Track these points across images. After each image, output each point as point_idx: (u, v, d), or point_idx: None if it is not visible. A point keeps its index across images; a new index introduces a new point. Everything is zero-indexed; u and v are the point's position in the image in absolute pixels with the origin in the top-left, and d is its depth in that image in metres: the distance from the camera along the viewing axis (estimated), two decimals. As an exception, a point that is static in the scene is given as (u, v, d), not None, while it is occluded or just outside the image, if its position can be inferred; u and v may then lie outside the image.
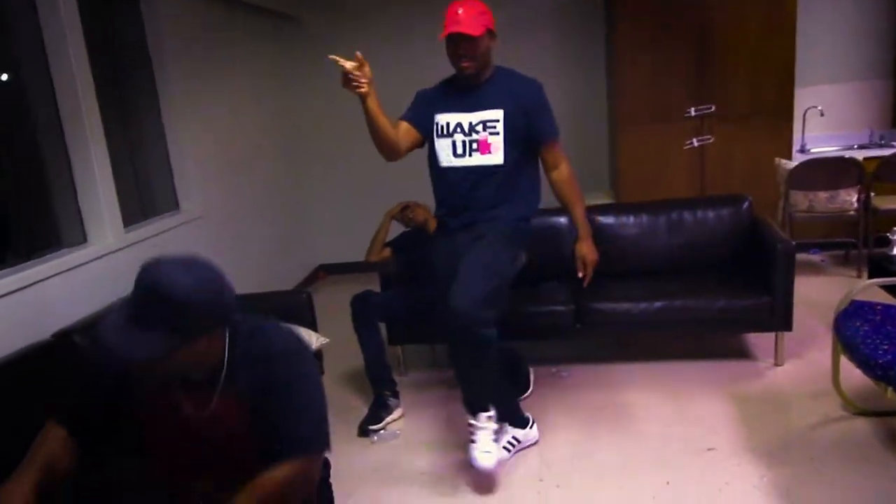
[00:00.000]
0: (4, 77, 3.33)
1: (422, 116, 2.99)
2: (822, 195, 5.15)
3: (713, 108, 5.52)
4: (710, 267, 4.15)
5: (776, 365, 3.84)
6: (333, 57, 2.49)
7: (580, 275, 3.10)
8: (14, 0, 3.26)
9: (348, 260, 6.34)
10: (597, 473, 3.00)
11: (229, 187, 5.02)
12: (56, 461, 1.66)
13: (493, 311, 2.78)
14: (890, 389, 2.65)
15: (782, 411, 3.38)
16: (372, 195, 5.35)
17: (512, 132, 2.88)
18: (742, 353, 4.07)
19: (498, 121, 2.87)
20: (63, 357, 2.74)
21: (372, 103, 2.65)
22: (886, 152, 5.26)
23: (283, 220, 6.06)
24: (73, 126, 3.45)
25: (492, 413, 2.97)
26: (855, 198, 5.09)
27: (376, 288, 4.00)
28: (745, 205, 4.20)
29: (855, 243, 5.29)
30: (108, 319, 1.54)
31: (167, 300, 1.48)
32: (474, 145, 2.90)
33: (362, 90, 2.56)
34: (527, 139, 2.93)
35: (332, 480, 2.13)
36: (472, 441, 2.94)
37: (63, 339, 2.84)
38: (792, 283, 3.68)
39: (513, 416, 3.21)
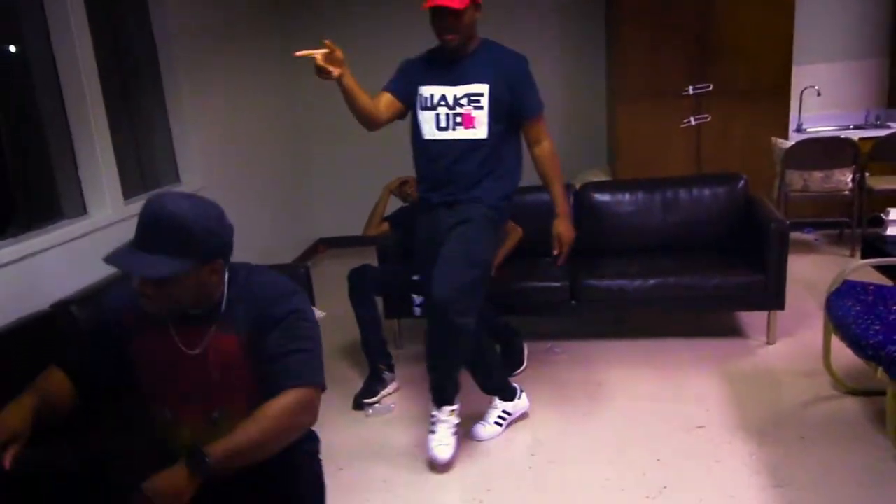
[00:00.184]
0: (12, 49, 3.26)
1: (405, 88, 2.89)
2: (818, 174, 5.08)
3: (711, 87, 5.43)
4: (704, 245, 4.09)
5: (768, 343, 3.79)
6: (300, 54, 2.42)
7: (555, 252, 3.02)
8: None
9: (348, 234, 6.27)
10: (589, 449, 2.96)
11: (230, 160, 4.95)
12: (54, 398, 1.68)
13: (473, 301, 2.76)
14: (880, 369, 2.61)
15: (773, 389, 3.34)
16: (372, 170, 5.27)
17: (496, 107, 2.79)
18: (735, 332, 4.02)
19: (482, 95, 2.78)
20: (61, 327, 2.70)
21: (348, 81, 2.59)
22: (882, 132, 5.18)
23: (284, 193, 5.99)
24: (74, 98, 3.37)
25: (455, 407, 2.95)
26: (850, 178, 5.02)
27: (374, 262, 3.95)
28: (741, 183, 4.14)
29: (849, 223, 5.22)
30: (115, 250, 1.59)
31: (171, 225, 1.53)
32: (458, 119, 2.81)
33: (334, 76, 2.50)
34: (511, 114, 2.84)
35: (322, 454, 2.08)
36: (432, 432, 2.94)
37: (61, 310, 2.80)
38: (785, 262, 3.63)
39: (502, 390, 3.16)
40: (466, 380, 3.08)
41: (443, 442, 2.91)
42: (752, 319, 4.03)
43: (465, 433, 3.13)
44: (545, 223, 4.08)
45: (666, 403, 3.26)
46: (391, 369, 3.62)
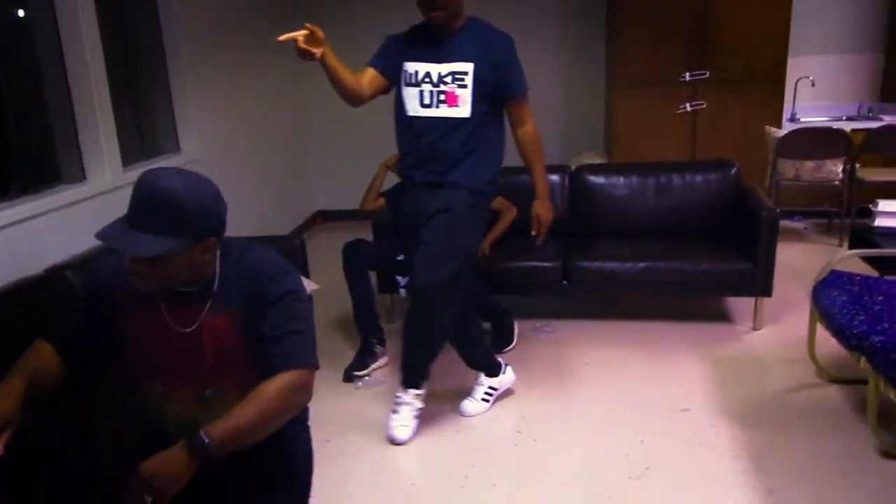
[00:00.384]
0: (19, 13, 3.17)
1: (389, 63, 2.79)
2: (809, 164, 5.01)
3: (707, 74, 5.34)
4: (695, 230, 4.04)
5: (754, 329, 3.74)
6: (283, 38, 2.33)
7: (533, 233, 2.95)
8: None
9: (345, 207, 6.19)
10: (574, 428, 2.92)
11: (230, 131, 4.85)
12: (43, 374, 1.61)
13: (455, 289, 2.73)
14: (863, 359, 2.58)
15: (758, 375, 3.29)
16: (371, 145, 5.17)
17: (480, 86, 2.70)
18: (722, 317, 3.97)
19: (467, 73, 2.68)
20: (54, 291, 2.64)
21: (330, 61, 2.50)
22: (874, 125, 5.11)
23: (283, 165, 5.89)
24: (76, 65, 3.28)
25: (420, 392, 2.91)
26: (841, 168, 4.96)
27: (370, 237, 3.87)
28: (733, 170, 4.07)
29: (838, 213, 5.16)
30: (107, 225, 1.51)
31: (164, 203, 1.46)
32: (442, 97, 2.72)
33: (317, 58, 2.42)
34: (495, 94, 2.75)
35: (311, 424, 2.02)
36: (394, 412, 2.90)
37: (55, 274, 2.73)
38: (774, 249, 3.57)
39: (487, 366, 3.11)
40: (453, 355, 3.03)
41: (403, 423, 2.88)
42: (740, 305, 3.97)
43: (452, 408, 3.09)
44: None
45: (652, 385, 3.21)
46: (382, 343, 3.56)
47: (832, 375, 3.16)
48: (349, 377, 3.41)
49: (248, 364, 1.61)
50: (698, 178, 4.09)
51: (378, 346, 3.52)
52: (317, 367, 1.64)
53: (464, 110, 2.71)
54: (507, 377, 3.15)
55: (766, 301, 3.70)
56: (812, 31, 5.69)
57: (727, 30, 5.25)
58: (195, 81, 4.35)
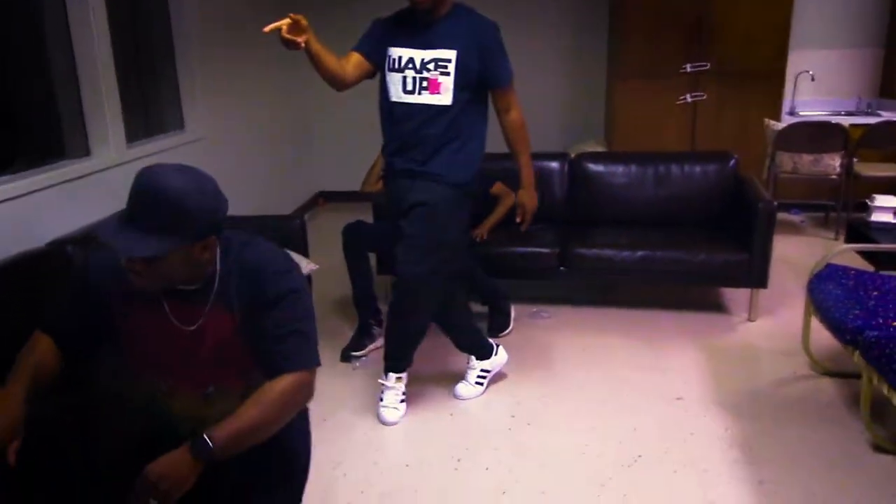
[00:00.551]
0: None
1: (374, 48, 2.70)
2: (807, 157, 4.94)
3: (708, 66, 5.25)
4: (693, 220, 3.97)
5: (749, 320, 3.68)
6: (267, 29, 2.24)
7: (518, 220, 2.89)
8: None
9: (347, 189, 6.11)
10: (567, 414, 2.86)
11: (234, 111, 4.76)
12: (41, 371, 1.56)
13: (437, 281, 2.72)
14: (857, 353, 2.53)
15: (751, 366, 3.23)
16: (374, 127, 5.01)
17: (463, 74, 2.61)
18: (717, 307, 3.90)
19: (449, 61, 2.59)
20: (56, 265, 2.58)
21: (314, 47, 2.40)
22: (873, 120, 5.04)
23: (286, 146, 5.80)
24: (82, 40, 3.21)
25: (402, 375, 2.89)
26: (838, 162, 4.89)
27: (371, 218, 3.80)
28: (732, 162, 4.00)
29: (835, 206, 5.09)
30: (104, 221, 1.47)
31: (163, 202, 1.40)
32: (424, 83, 2.63)
33: (301, 47, 2.33)
34: (479, 82, 2.66)
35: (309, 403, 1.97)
36: (380, 397, 2.89)
37: (57, 248, 2.68)
38: (770, 241, 3.51)
39: (478, 348, 3.05)
40: (436, 343, 3.00)
41: (390, 405, 2.86)
42: (736, 296, 3.91)
43: (448, 391, 3.04)
44: (540, 189, 3.98)
45: (646, 373, 3.16)
46: (380, 324, 3.49)
47: (826, 368, 3.10)
48: (346, 357, 3.36)
49: (250, 362, 1.57)
50: (697, 168, 4.02)
51: (376, 328, 3.46)
52: (318, 366, 1.59)
53: (445, 98, 2.62)
54: (499, 358, 3.09)
55: (761, 292, 3.64)
56: (813, 25, 5.60)
57: (729, 22, 5.17)
58: (201, 60, 4.26)
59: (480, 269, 3.58)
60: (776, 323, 3.64)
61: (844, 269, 3.06)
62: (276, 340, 1.52)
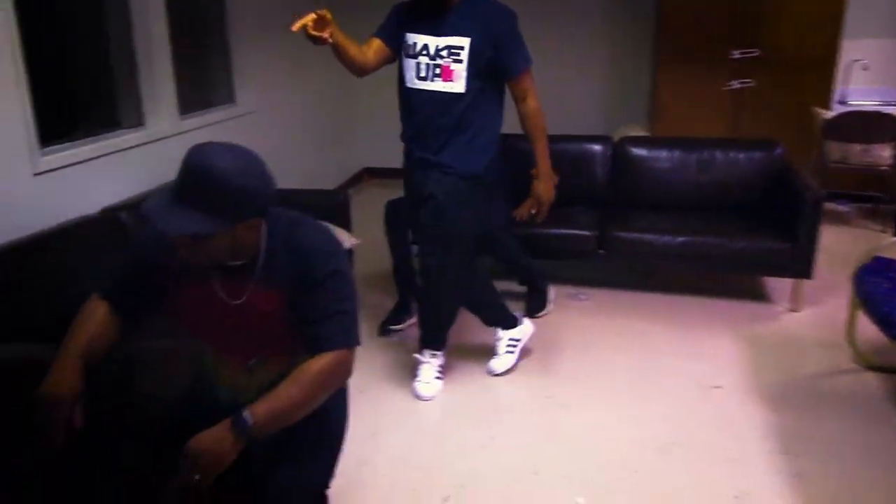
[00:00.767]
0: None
1: (392, 34, 2.64)
2: (857, 148, 4.69)
3: (758, 53, 5.01)
4: (736, 208, 3.81)
5: (792, 310, 3.51)
6: (296, 28, 2.22)
7: (533, 211, 2.79)
8: None
9: (392, 166, 6.05)
10: (602, 398, 2.77)
11: (283, 86, 4.71)
12: (98, 340, 1.55)
13: (455, 268, 2.69)
14: (905, 348, 2.37)
15: (793, 357, 3.08)
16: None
17: (476, 62, 2.51)
18: (759, 296, 3.73)
19: (462, 48, 2.50)
20: (108, 232, 2.60)
21: (338, 39, 2.36)
22: (926, 111, 4.75)
23: (333, 121, 5.74)
24: (140, 15, 3.21)
25: (437, 352, 2.86)
26: (889, 153, 4.64)
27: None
28: (778, 150, 3.83)
29: (884, 198, 4.84)
30: (153, 197, 1.44)
31: (211, 181, 1.38)
32: (437, 70, 2.54)
33: (328, 42, 2.30)
34: (493, 70, 2.56)
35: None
36: (416, 373, 2.85)
37: (110, 215, 2.71)
38: (817, 231, 3.34)
39: (503, 320, 2.99)
40: (473, 318, 2.95)
41: (425, 381, 2.82)
42: (778, 285, 3.73)
43: (482, 369, 2.97)
44: (578, 173, 3.88)
45: (683, 360, 3.04)
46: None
47: (870, 362, 2.94)
48: (385, 331, 3.32)
49: (293, 338, 1.55)
50: (741, 155, 3.85)
51: (414, 303, 3.41)
52: (358, 345, 1.56)
53: (458, 85, 2.54)
54: (525, 327, 3.03)
55: (804, 282, 3.47)
56: (869, 13, 5.29)
57: (781, 9, 4.90)
58: (253, 35, 4.22)
59: (519, 250, 3.49)
60: (819, 314, 3.47)
61: (892, 263, 2.89)
62: (319, 320, 1.50)
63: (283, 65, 4.68)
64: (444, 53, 2.52)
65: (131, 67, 3.27)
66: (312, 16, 2.22)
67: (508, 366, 2.96)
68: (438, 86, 2.56)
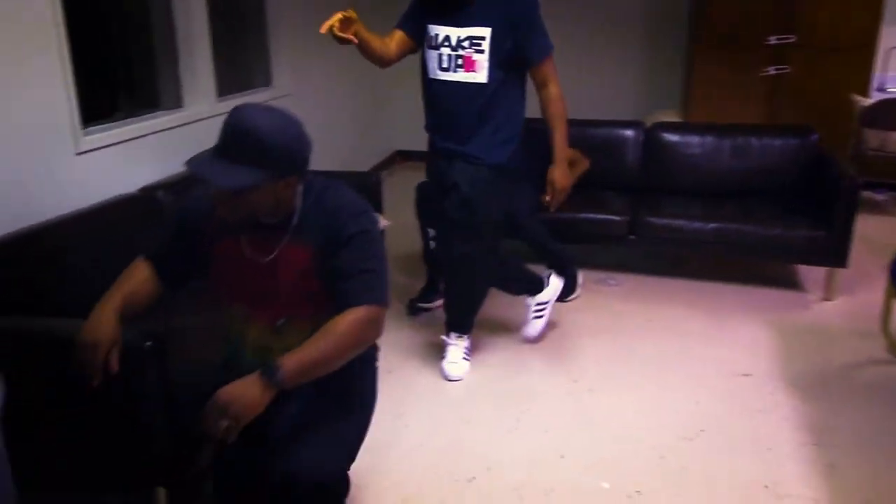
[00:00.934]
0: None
1: (415, 25, 2.59)
2: (895, 136, 4.50)
3: (795, 39, 4.83)
4: (769, 195, 3.68)
5: (825, 299, 3.39)
6: (324, 29, 2.22)
7: (547, 199, 2.70)
8: None
9: (424, 149, 6.00)
10: (630, 383, 2.71)
11: (318, 69, 4.68)
12: (137, 295, 1.62)
13: (480, 256, 2.64)
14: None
15: (825, 346, 2.97)
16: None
17: (498, 51, 2.44)
18: (792, 284, 3.61)
19: (484, 38, 2.43)
20: (146, 210, 2.63)
21: (363, 36, 2.36)
22: (968, 100, 4.53)
23: (366, 104, 5.70)
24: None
25: (463, 335, 2.83)
26: (928, 142, 4.45)
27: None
28: (813, 137, 3.68)
29: (923, 188, 4.66)
30: (197, 155, 1.49)
31: (254, 137, 1.43)
32: (459, 61, 2.48)
33: (355, 42, 2.31)
34: (514, 58, 2.48)
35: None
36: (444, 354, 2.83)
37: (148, 194, 2.72)
38: (853, 219, 3.21)
39: (528, 288, 2.95)
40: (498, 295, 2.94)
41: (452, 361, 2.79)
42: (811, 273, 3.61)
43: (512, 352, 2.93)
44: (610, 157, 3.78)
45: (714, 347, 2.96)
46: (448, 282, 3.40)
47: (905, 353, 2.84)
48: (413, 310, 3.29)
49: (322, 297, 1.56)
50: (776, 142, 3.71)
51: (443, 284, 3.37)
52: (387, 305, 1.56)
53: (481, 75, 2.47)
54: (551, 289, 2.98)
55: (839, 271, 3.35)
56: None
57: (819, -5, 4.70)
58: (290, 19, 4.18)
59: (548, 235, 3.42)
60: (853, 303, 3.35)
61: (931, 253, 2.77)
62: (348, 277, 1.52)
63: (318, 48, 4.63)
64: (465, 44, 2.47)
65: (171, 50, 3.26)
66: (339, 16, 2.22)
67: (540, 328, 2.95)
68: (461, 76, 2.50)
